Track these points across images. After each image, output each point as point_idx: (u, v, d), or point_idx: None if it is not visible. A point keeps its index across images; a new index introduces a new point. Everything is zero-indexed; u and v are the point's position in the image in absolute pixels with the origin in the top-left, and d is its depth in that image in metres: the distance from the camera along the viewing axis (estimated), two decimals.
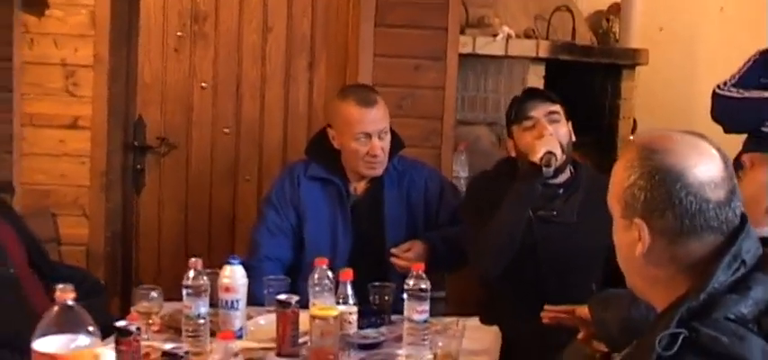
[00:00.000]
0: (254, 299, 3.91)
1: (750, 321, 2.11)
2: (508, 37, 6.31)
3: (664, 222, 2.23)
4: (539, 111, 4.31)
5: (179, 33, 5.92)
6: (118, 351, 3.02)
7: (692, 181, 2.22)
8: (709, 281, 2.15)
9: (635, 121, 7.06)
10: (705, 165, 2.26)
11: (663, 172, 2.24)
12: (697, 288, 2.15)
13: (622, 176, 2.32)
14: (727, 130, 5.03)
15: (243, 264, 3.78)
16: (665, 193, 2.22)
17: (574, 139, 4.41)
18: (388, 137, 4.57)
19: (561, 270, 4.20)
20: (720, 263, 2.17)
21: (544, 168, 4.15)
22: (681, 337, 2.06)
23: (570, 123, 4.40)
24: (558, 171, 4.29)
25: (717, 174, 2.26)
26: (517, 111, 4.41)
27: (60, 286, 2.50)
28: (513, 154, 4.42)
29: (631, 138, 6.87)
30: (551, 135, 4.21)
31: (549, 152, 4.14)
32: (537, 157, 4.15)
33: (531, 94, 4.58)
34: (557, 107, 4.36)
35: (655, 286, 2.34)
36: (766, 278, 2.19)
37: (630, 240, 2.30)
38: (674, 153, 2.26)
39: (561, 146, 4.22)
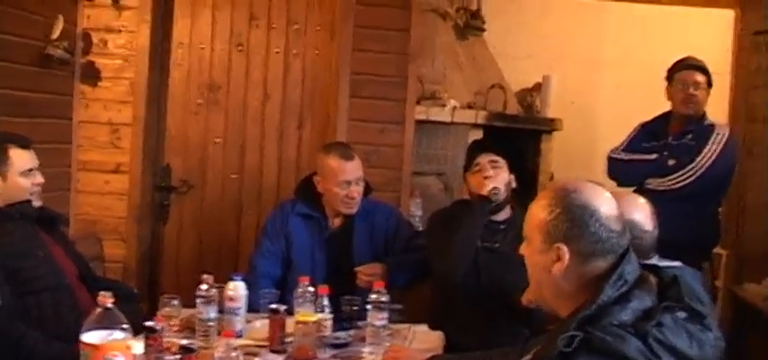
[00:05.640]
0: (252, 307, 3.93)
1: (629, 326, 2.18)
2: (454, 107, 6.36)
3: (582, 246, 2.31)
4: (483, 158, 4.36)
5: (198, 100, 5.97)
6: (147, 344, 3.09)
7: (602, 215, 2.32)
8: (600, 295, 2.23)
9: (552, 174, 7.12)
10: (608, 204, 2.36)
11: (581, 208, 2.33)
12: (591, 300, 2.24)
13: (543, 212, 2.39)
14: (619, 185, 5.06)
15: (243, 279, 3.86)
16: (583, 223, 2.31)
17: (514, 186, 4.44)
18: (363, 183, 4.64)
19: (499, 289, 4.21)
20: (608, 281, 2.25)
21: (492, 197, 4.24)
22: (577, 338, 2.15)
23: (513, 175, 4.43)
24: (499, 209, 4.35)
25: (616, 211, 2.36)
26: (468, 161, 4.47)
27: (102, 293, 2.59)
28: (467, 195, 4.48)
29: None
30: (493, 176, 4.28)
31: (495, 187, 4.24)
32: (485, 190, 4.24)
33: (479, 147, 4.61)
34: (498, 158, 4.39)
35: (561, 298, 2.39)
36: (643, 293, 2.28)
37: (548, 261, 2.37)
38: (586, 194, 2.36)
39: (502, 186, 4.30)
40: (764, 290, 5.32)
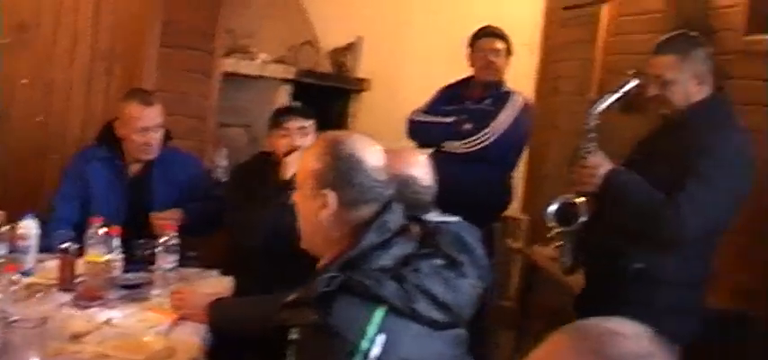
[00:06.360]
0: (48, 248, 3.96)
1: (389, 270, 2.38)
2: (264, 62, 6.48)
3: (348, 193, 2.47)
4: (292, 124, 4.39)
5: (7, 39, 5.87)
6: None
7: (368, 166, 2.49)
8: (362, 241, 2.41)
9: None
10: (374, 155, 2.54)
11: (348, 157, 2.49)
12: (353, 245, 2.42)
13: (313, 160, 2.53)
14: (419, 146, 5.15)
15: (42, 221, 3.90)
16: (350, 172, 2.47)
17: None
18: (162, 131, 4.69)
19: (288, 240, 4.32)
20: (371, 228, 2.44)
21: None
22: (337, 279, 2.32)
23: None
24: None
25: (381, 163, 2.54)
26: (276, 120, 4.47)
27: None
28: (269, 149, 4.50)
29: None
30: (299, 152, 4.17)
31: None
32: (288, 176, 4.16)
33: (289, 110, 4.64)
34: (308, 123, 4.42)
35: (328, 244, 2.54)
36: (404, 241, 2.48)
37: (316, 207, 2.51)
38: (354, 146, 2.53)
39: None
40: (550, 251, 5.61)
